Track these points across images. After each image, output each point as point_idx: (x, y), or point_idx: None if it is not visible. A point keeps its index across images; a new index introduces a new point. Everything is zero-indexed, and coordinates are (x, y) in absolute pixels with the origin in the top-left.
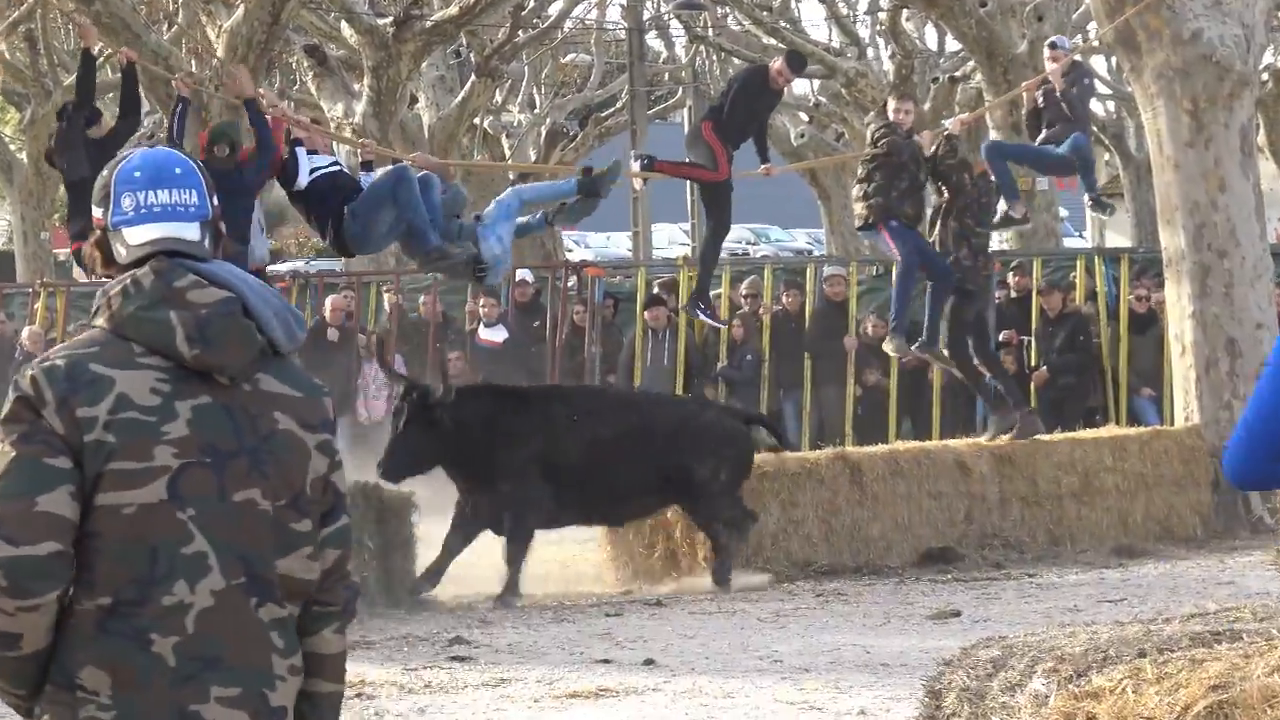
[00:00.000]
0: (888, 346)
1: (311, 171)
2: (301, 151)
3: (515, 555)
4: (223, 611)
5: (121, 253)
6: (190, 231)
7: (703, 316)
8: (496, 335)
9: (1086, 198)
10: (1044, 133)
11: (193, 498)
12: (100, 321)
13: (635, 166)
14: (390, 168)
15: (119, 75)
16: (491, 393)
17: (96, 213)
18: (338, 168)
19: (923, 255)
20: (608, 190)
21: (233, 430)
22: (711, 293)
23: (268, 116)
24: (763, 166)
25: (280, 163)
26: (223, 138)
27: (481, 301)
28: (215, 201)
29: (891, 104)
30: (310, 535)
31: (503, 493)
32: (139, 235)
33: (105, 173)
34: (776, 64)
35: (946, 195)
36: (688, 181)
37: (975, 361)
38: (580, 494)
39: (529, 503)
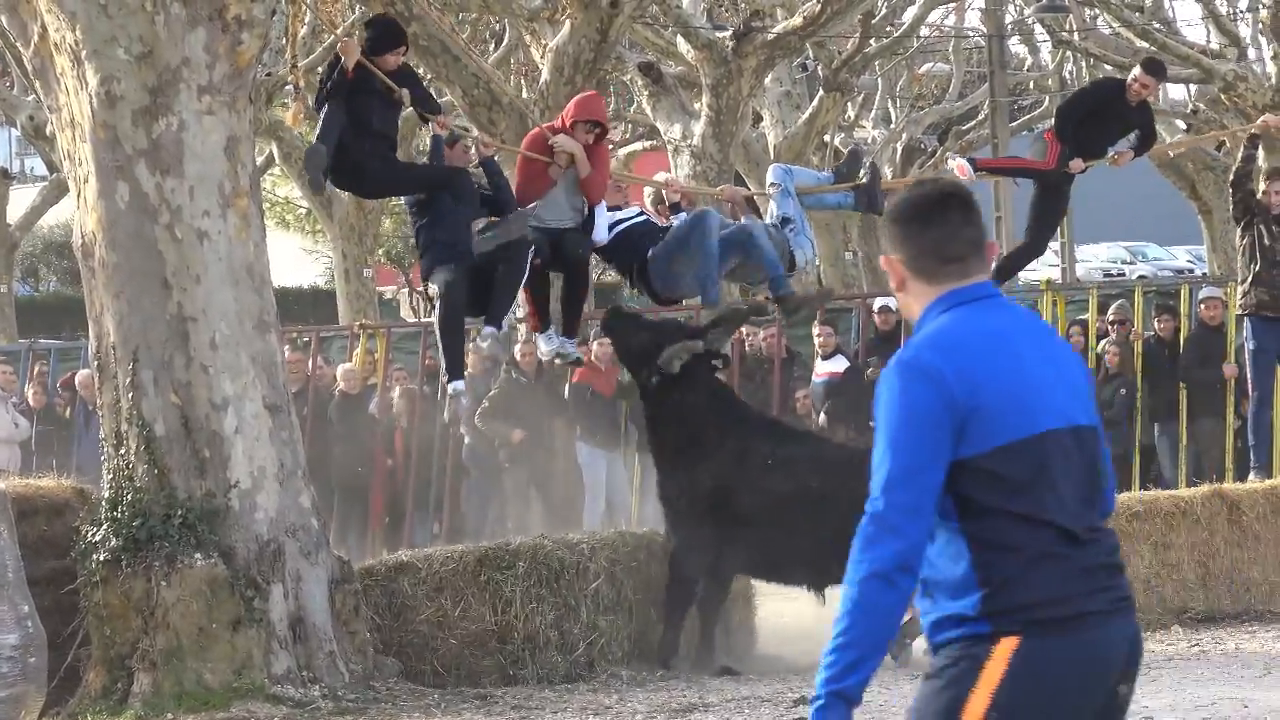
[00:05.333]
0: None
1: (612, 228)
2: (600, 208)
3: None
4: None
5: None
6: None
7: None
8: (836, 365)
9: None
10: None
11: None
12: None
13: (956, 168)
14: (692, 212)
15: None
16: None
17: None
18: (643, 218)
19: None
20: (881, 206)
21: None
22: (1078, 317)
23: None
24: (1111, 154)
25: None
26: None
27: (817, 332)
28: None
29: (1262, 185)
30: None
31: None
32: None
33: None
34: (1135, 72)
35: None
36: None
37: None
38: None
39: None
